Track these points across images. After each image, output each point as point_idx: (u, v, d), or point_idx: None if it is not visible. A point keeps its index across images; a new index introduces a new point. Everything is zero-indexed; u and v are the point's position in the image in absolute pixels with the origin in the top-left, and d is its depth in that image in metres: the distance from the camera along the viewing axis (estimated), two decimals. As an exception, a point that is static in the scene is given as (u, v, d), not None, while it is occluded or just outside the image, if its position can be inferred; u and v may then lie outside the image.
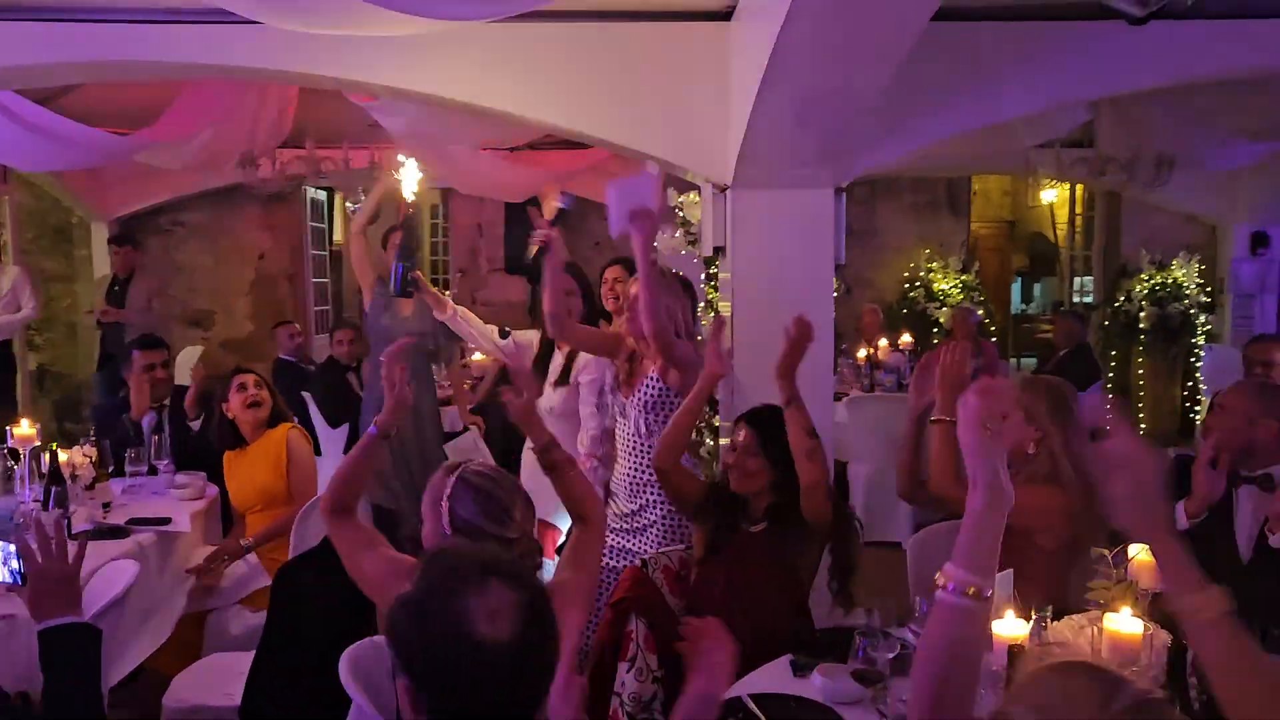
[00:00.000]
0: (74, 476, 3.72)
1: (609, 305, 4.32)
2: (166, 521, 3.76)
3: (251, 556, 3.90)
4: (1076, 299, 10.65)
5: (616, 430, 3.57)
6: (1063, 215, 14.04)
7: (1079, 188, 10.30)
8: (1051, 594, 2.65)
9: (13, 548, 2.24)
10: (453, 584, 1.30)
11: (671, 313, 3.35)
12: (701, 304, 5.17)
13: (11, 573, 2.29)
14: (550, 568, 3.83)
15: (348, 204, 12.69)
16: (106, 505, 3.81)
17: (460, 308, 4.41)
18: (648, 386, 3.42)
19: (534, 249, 3.55)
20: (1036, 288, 14.77)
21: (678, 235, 4.94)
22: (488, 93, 4.34)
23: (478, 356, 7.28)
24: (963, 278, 9.30)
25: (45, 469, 3.64)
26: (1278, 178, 8.60)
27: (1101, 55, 4.34)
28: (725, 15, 4.29)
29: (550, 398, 4.06)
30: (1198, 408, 9.10)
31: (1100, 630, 2.05)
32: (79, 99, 5.91)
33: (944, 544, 3.19)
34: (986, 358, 7.70)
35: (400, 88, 4.28)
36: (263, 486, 3.99)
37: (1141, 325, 8.97)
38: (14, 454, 3.68)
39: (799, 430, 2.84)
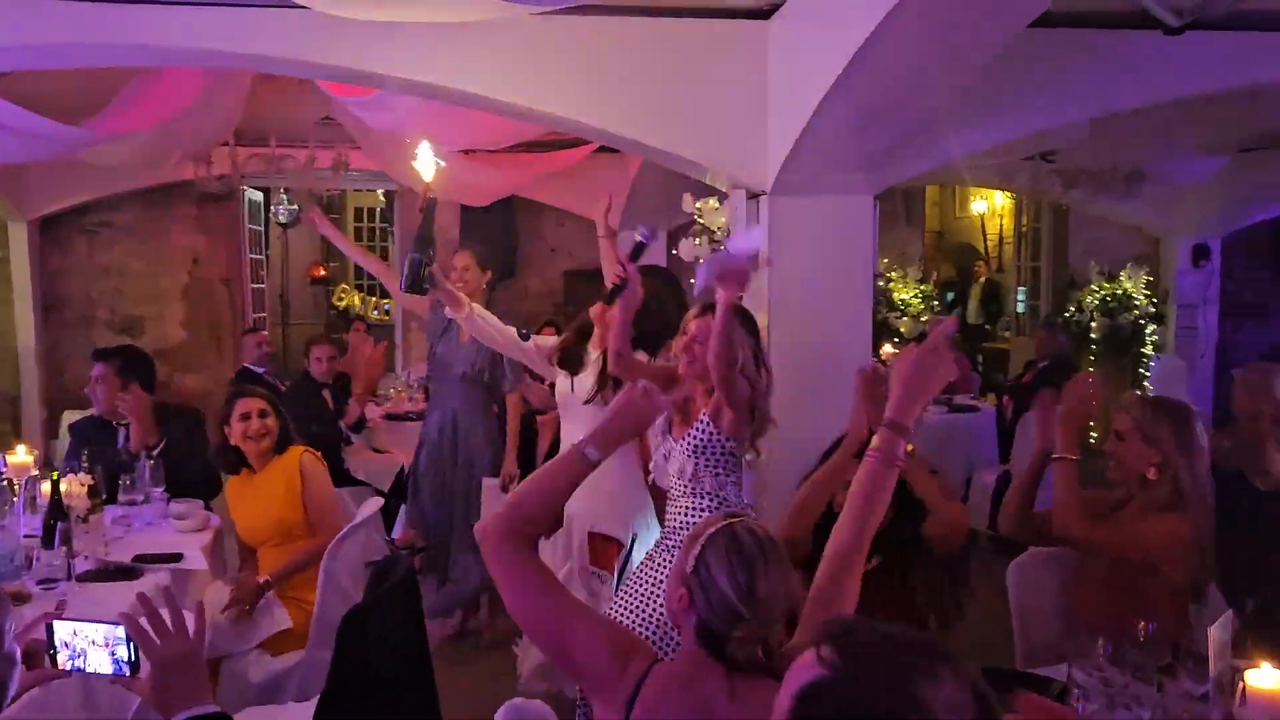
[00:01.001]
0: (68, 507, 3.31)
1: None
2: (178, 558, 3.38)
3: (271, 598, 3.52)
4: (1022, 309, 10.80)
5: (656, 471, 3.24)
6: (992, 226, 14.32)
7: (1023, 200, 10.46)
8: (1179, 632, 2.52)
9: (121, 631, 1.75)
10: (896, 671, 1.07)
11: (737, 352, 3.04)
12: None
13: (116, 662, 1.78)
14: (613, 584, 3.59)
15: (274, 209, 12.16)
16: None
17: (477, 306, 4.05)
18: (699, 430, 3.08)
19: (609, 286, 3.23)
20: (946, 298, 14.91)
21: (699, 243, 4.72)
22: (517, 88, 4.08)
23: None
24: (922, 287, 9.32)
25: (39, 498, 3.23)
26: (1218, 192, 8.85)
27: (1138, 65, 4.30)
28: (764, 14, 4.11)
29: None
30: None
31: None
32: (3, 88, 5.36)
33: (1047, 571, 3.08)
34: (960, 370, 7.71)
35: (425, 81, 3.98)
36: (278, 519, 3.61)
37: (1093, 335, 9.12)
38: (10, 484, 3.25)
39: (924, 475, 2.67)
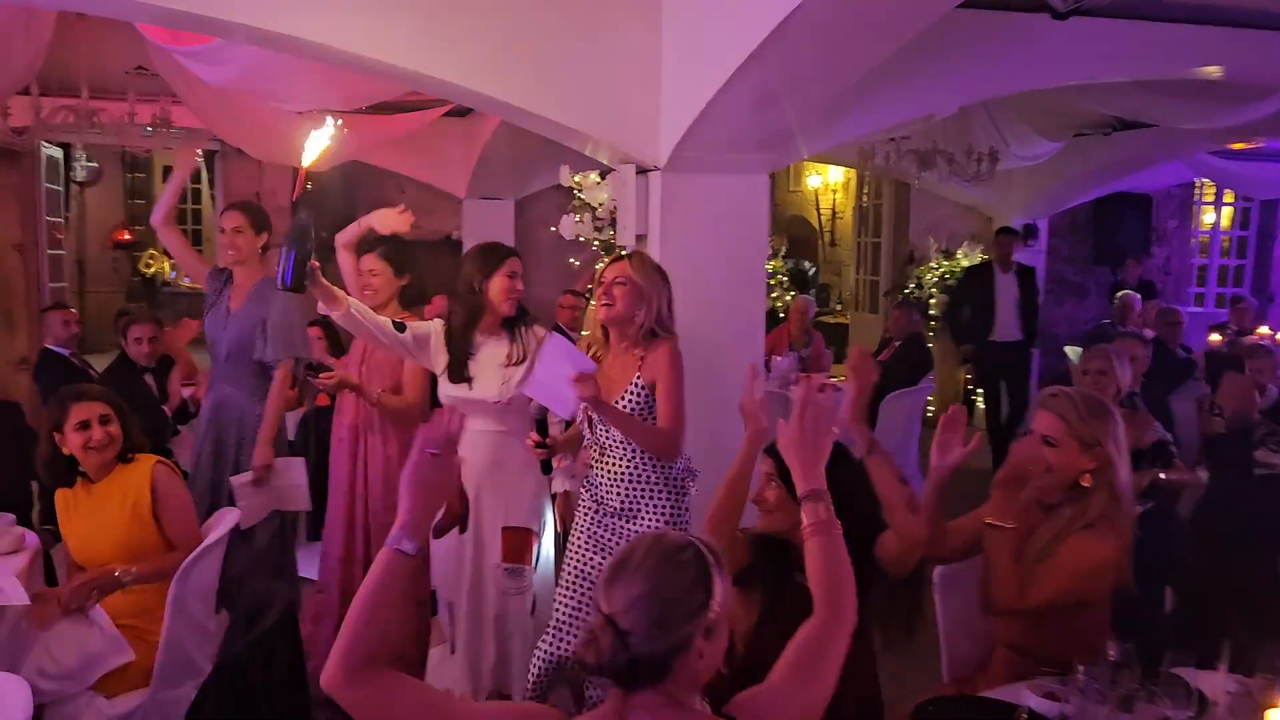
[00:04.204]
0: None
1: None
2: (-9, 590, 2.84)
3: (107, 625, 3.00)
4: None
5: (590, 433, 3.23)
6: (825, 201, 14.54)
7: (864, 175, 10.58)
8: (1102, 642, 2.36)
9: None
10: None
11: (660, 305, 3.22)
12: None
13: None
14: (526, 574, 3.35)
15: (75, 168, 11.01)
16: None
17: (354, 301, 3.55)
18: (633, 393, 3.15)
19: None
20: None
21: (580, 221, 4.41)
22: (387, 45, 3.65)
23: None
24: (773, 263, 9.29)
25: None
26: (1046, 173, 9.20)
27: (1027, 50, 4.26)
28: (658, -22, 3.82)
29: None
30: (978, 391, 9.63)
31: None
32: None
33: (973, 581, 2.93)
34: (815, 348, 7.70)
35: (289, 34, 3.49)
36: (123, 540, 3.07)
37: (932, 312, 9.33)
38: None
39: (890, 478, 2.45)
